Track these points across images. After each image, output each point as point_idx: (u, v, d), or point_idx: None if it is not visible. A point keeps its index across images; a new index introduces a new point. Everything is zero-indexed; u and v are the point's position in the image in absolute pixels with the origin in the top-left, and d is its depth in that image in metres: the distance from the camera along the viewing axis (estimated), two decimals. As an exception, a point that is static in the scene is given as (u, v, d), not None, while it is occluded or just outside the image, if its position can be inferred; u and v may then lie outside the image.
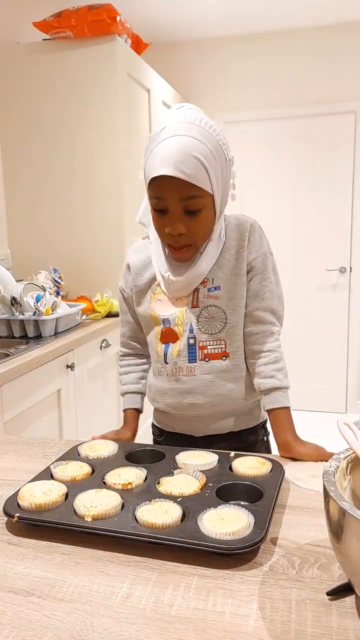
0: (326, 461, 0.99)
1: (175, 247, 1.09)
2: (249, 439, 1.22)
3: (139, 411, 1.28)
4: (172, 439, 1.22)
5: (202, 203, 1.02)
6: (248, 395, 1.16)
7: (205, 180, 1.00)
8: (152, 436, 1.32)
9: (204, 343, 1.12)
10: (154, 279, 1.16)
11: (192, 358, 1.12)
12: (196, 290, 1.11)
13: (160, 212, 1.05)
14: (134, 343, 1.29)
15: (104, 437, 1.16)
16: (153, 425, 1.30)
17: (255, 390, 1.15)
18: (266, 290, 1.13)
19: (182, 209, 1.03)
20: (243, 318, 1.13)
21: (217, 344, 1.12)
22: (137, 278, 1.19)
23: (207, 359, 1.12)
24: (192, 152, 0.97)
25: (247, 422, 1.20)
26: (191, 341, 1.12)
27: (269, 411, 1.11)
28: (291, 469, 0.98)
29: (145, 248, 1.20)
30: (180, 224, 1.04)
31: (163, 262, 1.14)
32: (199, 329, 1.11)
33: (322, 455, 1.02)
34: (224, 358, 1.13)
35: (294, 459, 1.04)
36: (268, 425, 1.24)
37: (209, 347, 1.12)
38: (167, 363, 1.14)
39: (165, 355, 1.14)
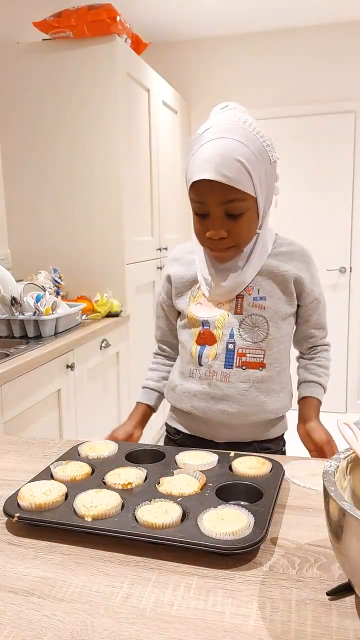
0: (324, 458, 1.00)
1: (219, 250, 1.08)
2: (270, 448, 1.21)
3: (151, 408, 1.28)
4: (190, 441, 1.20)
5: (244, 206, 1.01)
6: (279, 410, 1.16)
7: (247, 183, 0.98)
8: (157, 435, 1.31)
9: (244, 350, 1.10)
10: (195, 281, 1.16)
11: (228, 363, 1.10)
12: (240, 297, 1.10)
13: (201, 216, 1.04)
14: (165, 346, 1.32)
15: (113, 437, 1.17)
16: (168, 425, 1.28)
17: (285, 405, 1.17)
18: (326, 323, 1.23)
19: (224, 212, 1.01)
20: (283, 333, 1.13)
21: (256, 353, 1.10)
22: (178, 281, 1.19)
23: (244, 367, 1.10)
24: (234, 154, 0.96)
25: (273, 433, 1.19)
26: (230, 346, 1.10)
27: (302, 399, 1.17)
28: (291, 468, 0.98)
29: (184, 255, 1.20)
30: (222, 228, 1.02)
31: (206, 266, 1.13)
32: (240, 335, 1.10)
33: (326, 449, 1.04)
34: (260, 368, 1.11)
35: (295, 458, 1.04)
36: (286, 436, 1.24)
37: (248, 355, 1.10)
38: (201, 365, 1.12)
39: (200, 357, 1.12)
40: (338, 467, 0.65)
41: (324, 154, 3.71)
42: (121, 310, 2.67)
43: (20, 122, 2.70)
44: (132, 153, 2.75)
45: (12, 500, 0.85)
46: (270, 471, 0.92)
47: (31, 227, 2.77)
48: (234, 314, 1.10)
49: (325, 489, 0.59)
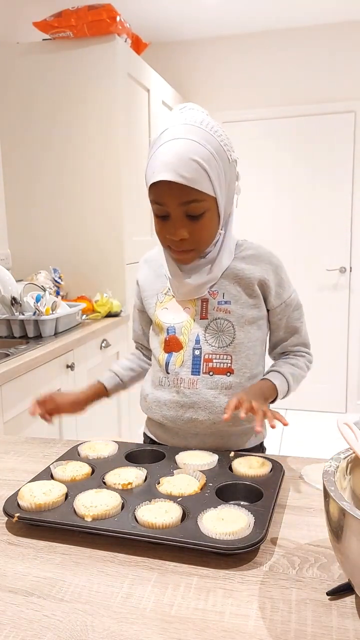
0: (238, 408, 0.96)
1: (180, 251, 1.07)
2: None
3: (105, 390, 1.25)
4: None
5: (204, 207, 1.00)
6: (252, 418, 1.08)
7: (206, 183, 0.97)
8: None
9: (210, 356, 1.08)
10: (162, 286, 1.15)
11: (195, 370, 1.08)
12: (205, 301, 1.09)
13: (162, 217, 1.04)
14: (140, 350, 1.32)
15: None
16: (145, 434, 1.26)
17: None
18: (303, 327, 1.19)
19: (184, 213, 1.00)
20: (251, 338, 1.11)
21: (222, 359, 1.08)
22: (145, 286, 1.18)
23: (211, 373, 1.08)
24: (192, 155, 0.95)
25: (249, 442, 1.16)
26: (197, 352, 1.09)
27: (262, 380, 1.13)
28: (311, 473, 0.97)
29: (155, 258, 1.18)
30: (183, 229, 1.02)
31: (171, 266, 1.11)
32: (205, 340, 1.09)
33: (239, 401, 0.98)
34: (228, 374, 1.08)
35: (296, 459, 1.04)
36: (265, 443, 1.22)
37: (214, 361, 1.08)
38: (168, 373, 1.10)
39: (167, 364, 1.11)
40: (338, 467, 0.65)
41: (324, 154, 3.71)
42: (121, 310, 2.67)
43: (20, 122, 2.70)
44: (131, 153, 2.75)
45: (12, 500, 0.85)
46: (270, 471, 0.93)
47: (31, 227, 2.77)
48: (200, 319, 1.09)
49: (325, 489, 0.59)
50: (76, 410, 1.22)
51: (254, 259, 1.12)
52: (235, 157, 1.03)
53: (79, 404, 1.22)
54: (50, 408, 1.18)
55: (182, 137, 0.97)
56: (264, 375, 1.15)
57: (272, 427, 0.96)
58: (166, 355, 1.12)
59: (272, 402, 1.11)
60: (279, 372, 1.13)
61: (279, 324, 1.16)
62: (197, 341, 1.09)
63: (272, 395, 1.09)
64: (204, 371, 1.08)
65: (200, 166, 0.96)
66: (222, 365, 1.09)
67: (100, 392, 1.25)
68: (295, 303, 1.17)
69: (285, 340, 1.19)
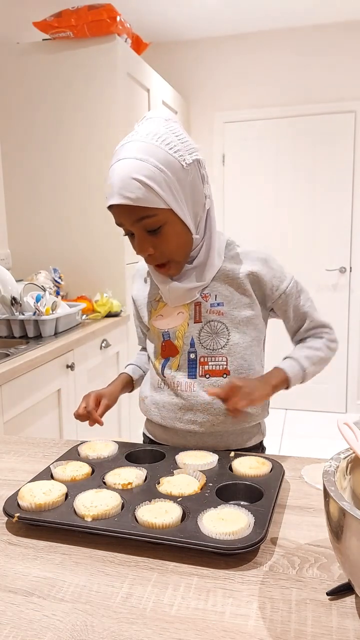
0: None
1: (156, 265, 1.07)
2: None
3: (132, 380, 1.27)
4: None
5: (159, 220, 0.99)
6: (250, 417, 1.12)
7: (152, 198, 0.96)
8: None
9: (205, 358, 1.09)
10: (154, 294, 1.16)
11: (191, 373, 1.09)
12: (198, 304, 1.09)
13: (130, 236, 1.05)
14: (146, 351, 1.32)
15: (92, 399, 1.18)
16: (144, 434, 1.26)
17: (258, 413, 1.13)
18: (313, 311, 1.17)
19: (142, 230, 1.01)
20: (247, 338, 1.10)
21: (218, 361, 1.09)
22: (139, 297, 1.20)
23: (207, 375, 1.09)
24: (132, 174, 0.95)
25: (247, 442, 1.16)
26: (192, 356, 1.09)
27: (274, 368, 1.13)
28: (311, 473, 0.97)
29: (146, 267, 1.19)
30: (146, 244, 1.02)
31: (160, 275, 1.11)
32: (200, 343, 1.09)
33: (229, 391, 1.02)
34: (224, 375, 1.09)
35: (298, 459, 1.04)
36: (265, 443, 1.23)
37: (210, 363, 1.09)
38: (165, 377, 1.12)
39: (163, 368, 1.12)
40: (338, 467, 0.65)
41: (324, 154, 3.71)
42: (121, 310, 2.67)
43: (20, 122, 2.70)
44: (132, 153, 2.75)
45: (12, 500, 0.85)
46: (270, 471, 0.93)
47: (31, 227, 2.77)
48: (194, 322, 1.10)
49: (325, 489, 0.59)
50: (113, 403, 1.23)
51: (241, 257, 1.11)
52: (192, 159, 0.99)
53: (115, 397, 1.23)
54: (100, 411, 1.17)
55: (125, 157, 0.97)
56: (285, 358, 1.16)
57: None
58: (163, 360, 1.13)
59: (287, 387, 1.12)
60: (290, 357, 1.14)
61: (287, 315, 1.15)
62: (192, 344, 1.09)
63: (279, 381, 1.09)
64: (200, 374, 1.09)
65: (141, 183, 0.95)
66: (217, 367, 1.09)
67: (127, 382, 1.26)
68: (297, 290, 1.15)
69: (299, 328, 1.18)
